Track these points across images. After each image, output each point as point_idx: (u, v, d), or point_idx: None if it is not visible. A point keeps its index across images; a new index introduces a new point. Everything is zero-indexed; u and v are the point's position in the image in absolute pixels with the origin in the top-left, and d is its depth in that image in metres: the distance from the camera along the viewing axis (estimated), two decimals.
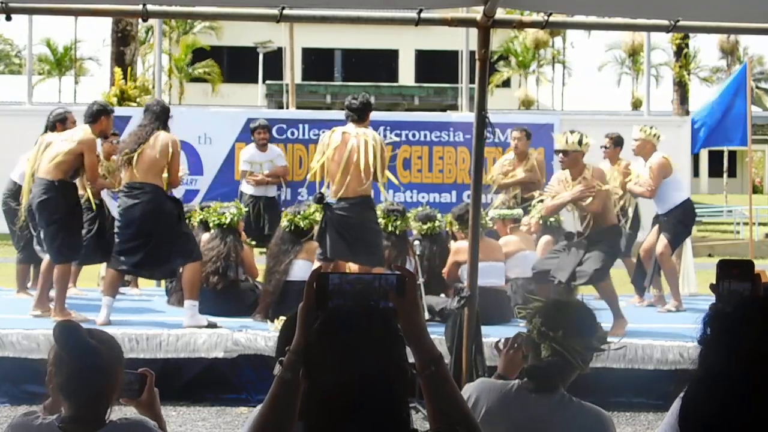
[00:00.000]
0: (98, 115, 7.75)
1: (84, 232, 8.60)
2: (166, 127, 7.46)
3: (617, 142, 9.31)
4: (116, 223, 7.56)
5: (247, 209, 9.15)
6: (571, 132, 7.46)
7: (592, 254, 7.27)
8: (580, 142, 7.34)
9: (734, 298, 1.85)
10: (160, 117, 7.45)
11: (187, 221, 7.95)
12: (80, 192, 7.96)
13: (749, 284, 2.03)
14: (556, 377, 2.72)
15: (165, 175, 7.50)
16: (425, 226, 8.27)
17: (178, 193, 8.28)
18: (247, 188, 9.91)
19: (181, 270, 7.91)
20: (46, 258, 7.80)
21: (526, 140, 9.64)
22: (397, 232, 8.07)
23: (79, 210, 7.80)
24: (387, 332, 1.80)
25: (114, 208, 8.25)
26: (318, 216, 7.86)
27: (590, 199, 7.25)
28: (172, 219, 7.37)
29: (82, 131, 7.63)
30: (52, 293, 7.86)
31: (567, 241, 7.57)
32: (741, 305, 1.55)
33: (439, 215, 8.47)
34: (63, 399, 2.50)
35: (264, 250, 8.99)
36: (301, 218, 7.89)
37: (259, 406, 2.02)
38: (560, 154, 7.44)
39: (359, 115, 7.38)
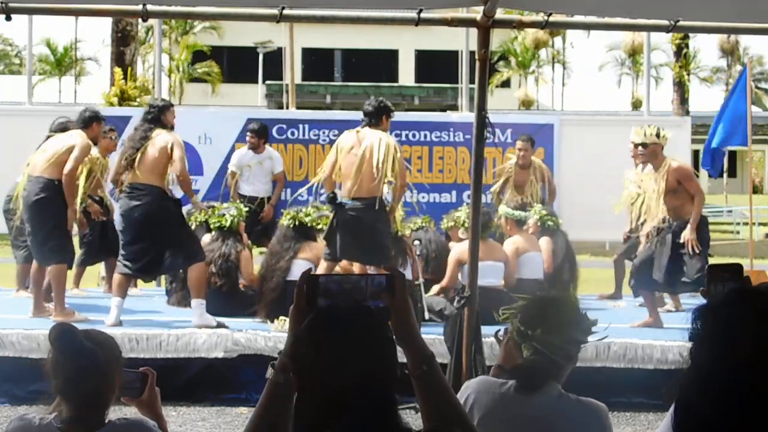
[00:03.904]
0: (90, 121, 7.82)
1: (87, 231, 8.58)
2: (163, 125, 7.39)
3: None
4: (118, 226, 7.52)
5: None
6: (649, 125, 7.78)
7: (682, 258, 7.52)
8: (657, 135, 7.65)
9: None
10: (154, 116, 7.43)
11: (189, 222, 7.94)
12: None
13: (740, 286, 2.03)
14: (539, 376, 2.71)
15: (171, 176, 7.49)
16: (415, 224, 8.38)
17: (178, 193, 8.26)
18: (241, 188, 9.89)
19: (180, 271, 7.91)
20: (34, 263, 7.75)
21: (531, 149, 9.59)
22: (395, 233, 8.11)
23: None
24: (376, 332, 1.79)
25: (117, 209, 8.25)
26: (316, 215, 7.89)
27: (695, 209, 7.57)
28: (175, 220, 7.34)
29: (78, 135, 7.64)
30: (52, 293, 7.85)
31: (657, 236, 7.71)
32: (730, 298, 1.53)
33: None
34: (62, 400, 2.50)
35: (263, 249, 8.99)
36: (304, 215, 7.90)
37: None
38: (639, 147, 7.76)
39: (372, 118, 7.34)
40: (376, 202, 7.22)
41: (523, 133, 10.28)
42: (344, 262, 7.50)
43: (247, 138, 9.77)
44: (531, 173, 9.52)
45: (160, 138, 7.30)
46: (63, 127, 8.08)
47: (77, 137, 7.61)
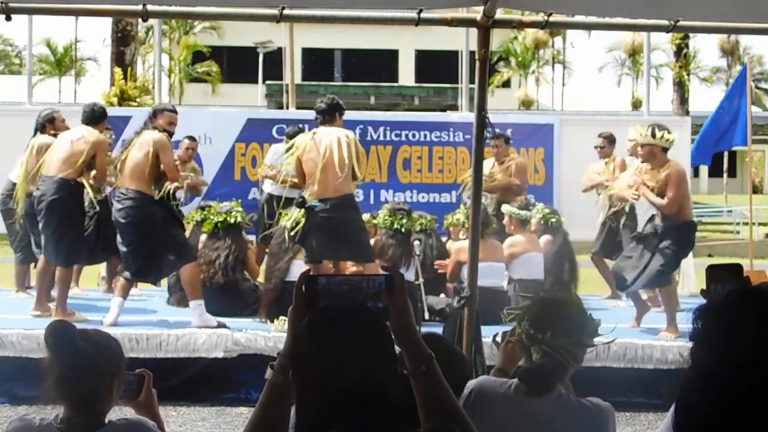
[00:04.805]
0: (101, 119, 7.82)
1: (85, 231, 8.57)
2: (153, 128, 7.32)
3: (611, 140, 9.50)
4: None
5: (262, 207, 9.21)
6: (647, 126, 7.42)
7: (657, 256, 7.28)
8: (653, 135, 7.24)
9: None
10: (146, 120, 7.48)
11: (181, 222, 7.88)
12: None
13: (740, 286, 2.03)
14: (548, 379, 2.70)
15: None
16: (423, 221, 8.39)
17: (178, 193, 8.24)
18: (267, 186, 9.88)
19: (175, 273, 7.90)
20: (42, 259, 7.78)
21: (505, 145, 9.60)
22: (403, 230, 8.08)
23: (84, 211, 7.81)
24: (374, 332, 1.79)
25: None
26: None
27: (666, 199, 7.23)
28: (158, 223, 7.29)
29: (91, 133, 7.63)
30: (53, 293, 7.85)
31: (637, 242, 7.55)
32: (730, 299, 1.53)
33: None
34: (60, 400, 2.50)
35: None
36: (302, 216, 7.89)
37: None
38: (640, 147, 7.49)
39: (326, 116, 7.36)
40: (345, 200, 7.23)
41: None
42: (342, 263, 7.52)
43: (284, 141, 9.85)
44: (503, 167, 9.53)
45: (141, 140, 7.28)
46: (50, 118, 8.11)
47: (90, 135, 7.60)
